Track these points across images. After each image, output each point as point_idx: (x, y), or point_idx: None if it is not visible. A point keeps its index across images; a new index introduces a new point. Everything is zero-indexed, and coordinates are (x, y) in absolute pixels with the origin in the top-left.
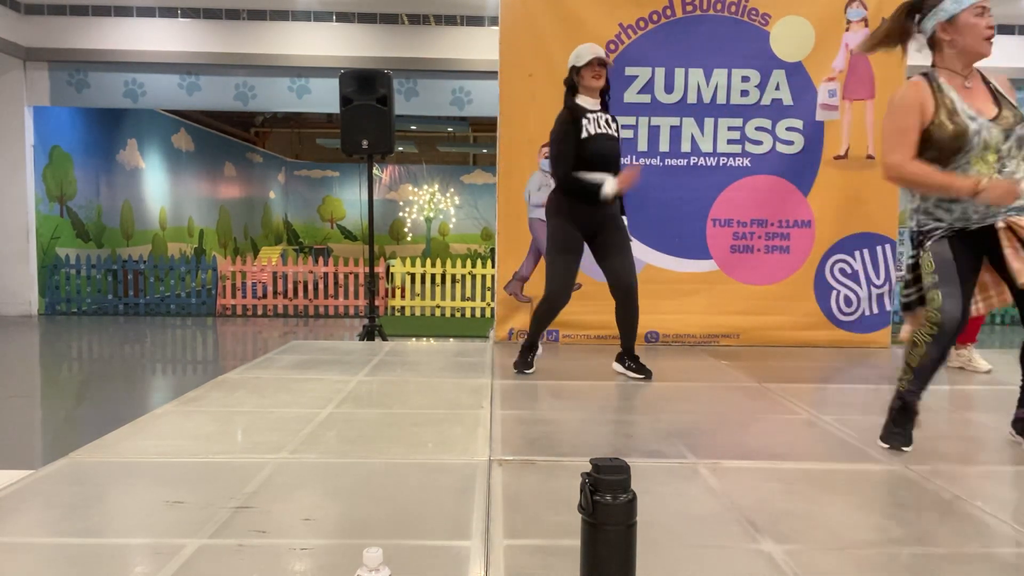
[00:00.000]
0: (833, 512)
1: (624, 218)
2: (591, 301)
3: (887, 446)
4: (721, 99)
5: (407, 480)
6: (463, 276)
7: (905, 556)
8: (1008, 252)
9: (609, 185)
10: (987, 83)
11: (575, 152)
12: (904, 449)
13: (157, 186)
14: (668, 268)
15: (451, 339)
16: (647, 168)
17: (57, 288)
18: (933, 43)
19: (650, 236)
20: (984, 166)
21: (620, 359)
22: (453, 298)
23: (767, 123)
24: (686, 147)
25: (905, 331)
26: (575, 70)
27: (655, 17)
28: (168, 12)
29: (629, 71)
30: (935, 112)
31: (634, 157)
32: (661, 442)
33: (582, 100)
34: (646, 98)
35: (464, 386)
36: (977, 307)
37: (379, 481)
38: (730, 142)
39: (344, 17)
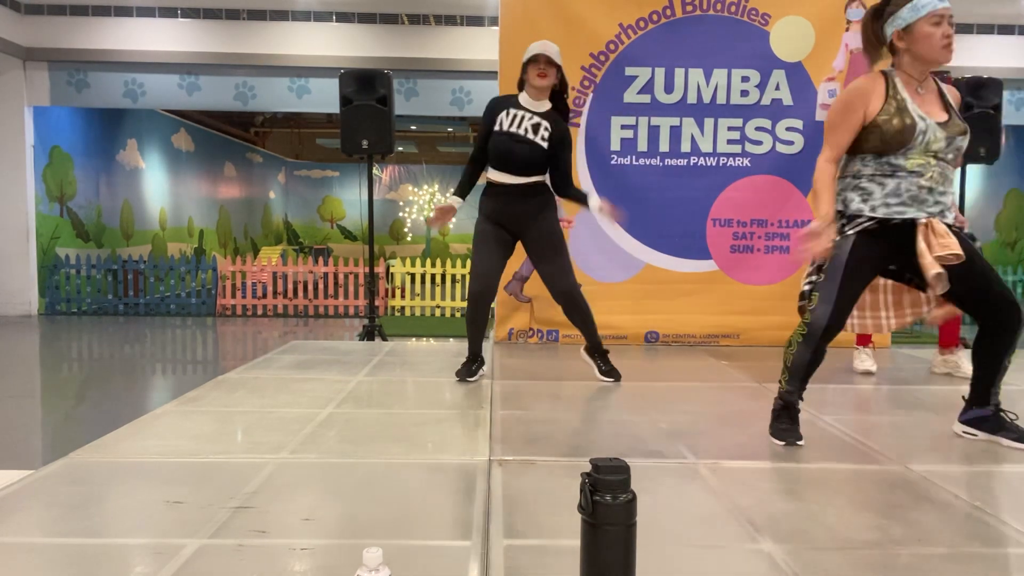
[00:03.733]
0: (833, 512)
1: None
2: (590, 301)
3: (781, 443)
4: (721, 99)
5: (407, 480)
6: (463, 276)
7: (905, 556)
8: (921, 247)
9: (451, 197)
10: (940, 92)
11: (483, 144)
12: (799, 443)
13: (157, 186)
14: (668, 268)
15: (451, 339)
16: (647, 168)
17: (57, 288)
18: (892, 49)
19: (650, 236)
20: (922, 157)
21: (588, 351)
22: (453, 298)
23: (767, 123)
24: (686, 147)
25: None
26: (523, 65)
27: (655, 17)
28: (168, 12)
29: (629, 71)
30: (883, 104)
31: (634, 157)
32: (661, 442)
33: (523, 97)
34: (646, 98)
35: (464, 386)
36: (889, 323)
37: (379, 481)
38: (730, 142)
39: (344, 17)
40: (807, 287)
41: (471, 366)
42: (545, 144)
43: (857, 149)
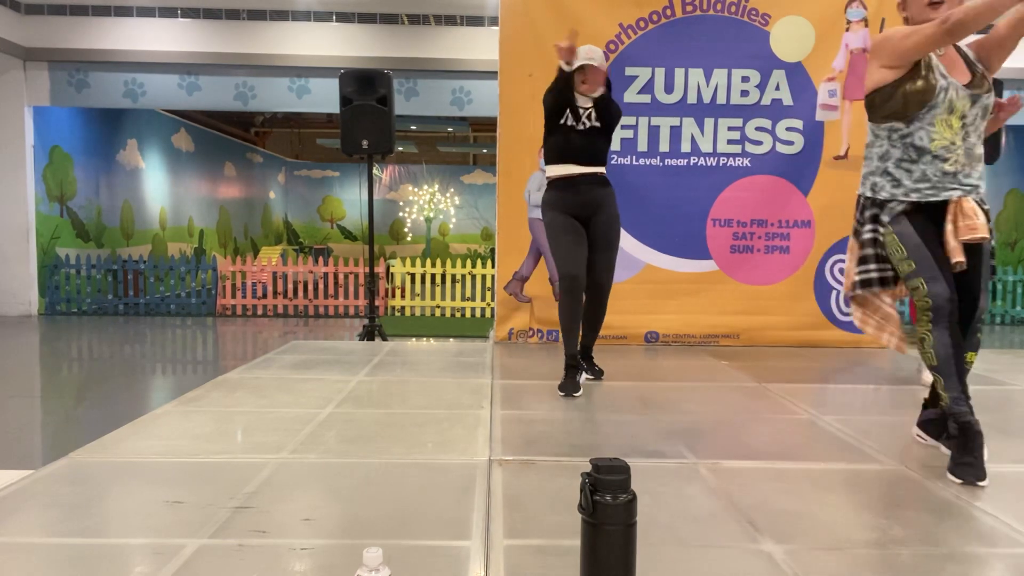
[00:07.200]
0: (833, 512)
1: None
2: None
3: (959, 481)
4: (721, 99)
5: (407, 480)
6: (463, 276)
7: (905, 556)
8: (948, 228)
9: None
10: (961, 52)
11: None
12: (980, 484)
13: (157, 186)
14: (668, 268)
15: (451, 339)
16: (647, 168)
17: (57, 288)
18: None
19: (650, 236)
20: (947, 130)
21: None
22: (453, 298)
23: (767, 123)
24: (686, 147)
25: (858, 318)
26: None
27: (655, 17)
28: (168, 12)
29: (629, 71)
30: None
31: (634, 157)
32: (661, 442)
33: (577, 98)
34: (646, 98)
35: (464, 386)
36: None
37: (379, 481)
38: (730, 142)
39: (344, 17)
40: (860, 277)
41: (575, 376)
42: (599, 124)
43: (878, 118)
